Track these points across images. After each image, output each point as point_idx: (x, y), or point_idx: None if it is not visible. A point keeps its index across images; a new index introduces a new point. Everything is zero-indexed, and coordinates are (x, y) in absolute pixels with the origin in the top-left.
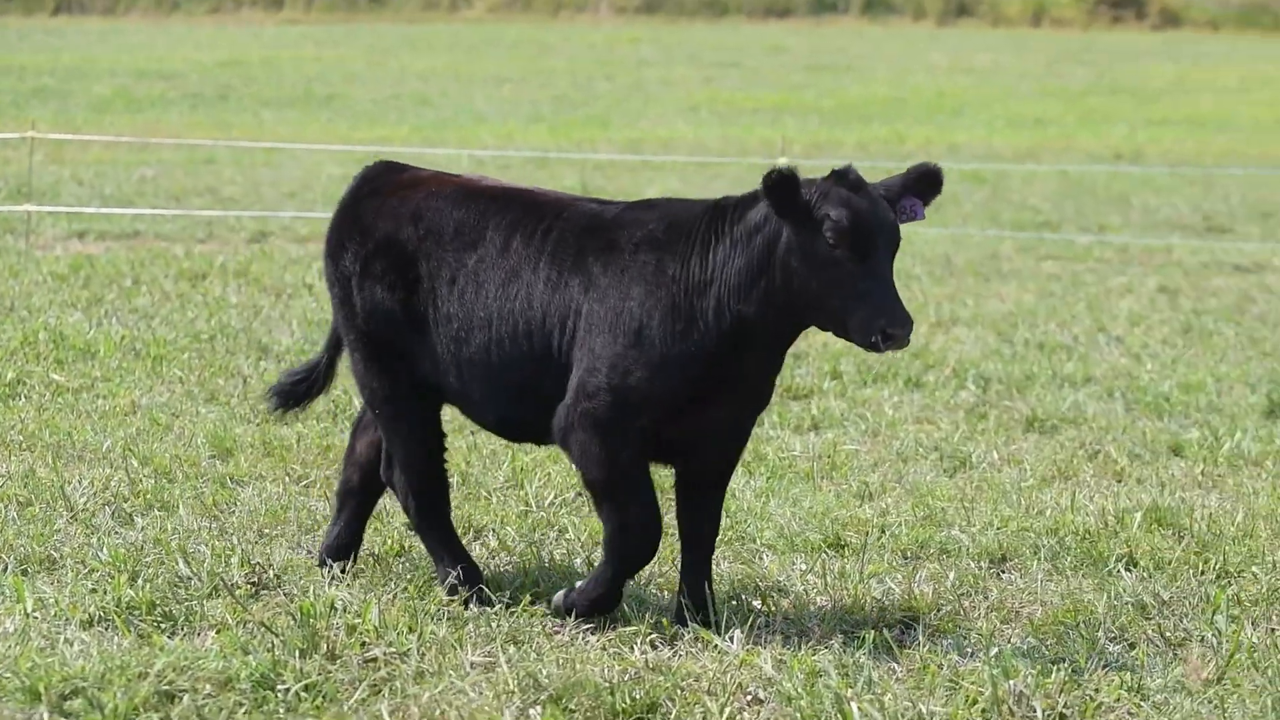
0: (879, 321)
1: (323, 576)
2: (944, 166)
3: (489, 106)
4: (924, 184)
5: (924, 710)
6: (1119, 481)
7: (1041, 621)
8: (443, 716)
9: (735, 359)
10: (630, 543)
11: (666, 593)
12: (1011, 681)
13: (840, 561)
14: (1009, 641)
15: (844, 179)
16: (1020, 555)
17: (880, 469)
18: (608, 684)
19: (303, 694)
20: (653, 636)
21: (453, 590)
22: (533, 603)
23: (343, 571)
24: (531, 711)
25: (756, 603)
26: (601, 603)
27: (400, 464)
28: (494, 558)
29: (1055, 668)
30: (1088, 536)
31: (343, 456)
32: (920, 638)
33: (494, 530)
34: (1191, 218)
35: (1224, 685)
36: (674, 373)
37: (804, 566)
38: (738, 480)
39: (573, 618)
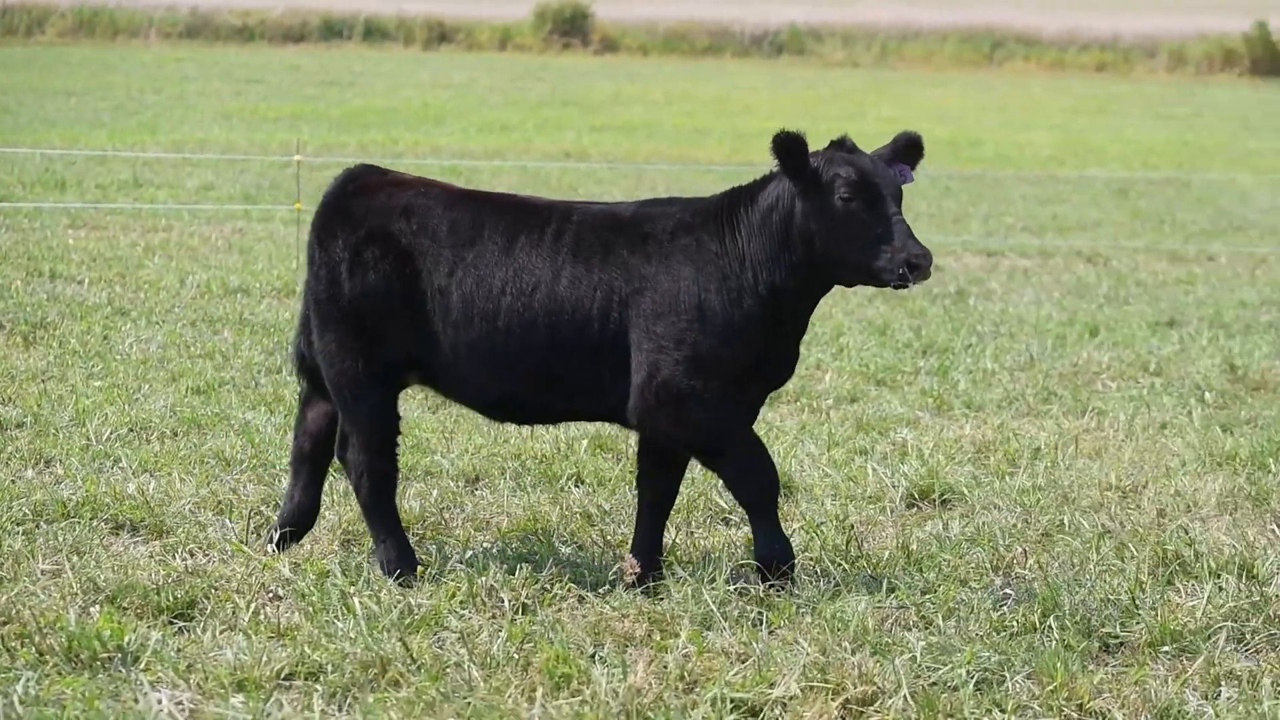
0: (900, 257)
1: (280, 545)
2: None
3: (59, 114)
4: (909, 151)
5: (413, 602)
6: None
7: (508, 529)
8: (18, 615)
9: (778, 326)
10: (754, 481)
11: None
12: (484, 578)
13: (330, 481)
14: (482, 546)
15: (842, 146)
16: (490, 476)
17: None
18: (155, 586)
19: None
20: (191, 546)
21: (388, 570)
22: (93, 518)
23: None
24: (92, 610)
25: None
26: (782, 552)
27: (357, 444)
28: (60, 484)
29: (519, 566)
30: (544, 460)
31: (293, 427)
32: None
33: (60, 460)
34: None
35: (653, 576)
36: (736, 336)
37: None
38: (260, 415)
39: (772, 572)
